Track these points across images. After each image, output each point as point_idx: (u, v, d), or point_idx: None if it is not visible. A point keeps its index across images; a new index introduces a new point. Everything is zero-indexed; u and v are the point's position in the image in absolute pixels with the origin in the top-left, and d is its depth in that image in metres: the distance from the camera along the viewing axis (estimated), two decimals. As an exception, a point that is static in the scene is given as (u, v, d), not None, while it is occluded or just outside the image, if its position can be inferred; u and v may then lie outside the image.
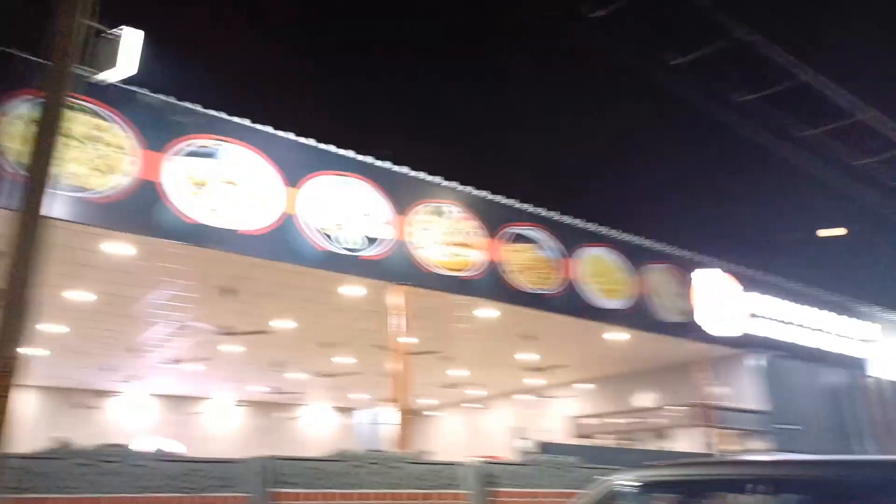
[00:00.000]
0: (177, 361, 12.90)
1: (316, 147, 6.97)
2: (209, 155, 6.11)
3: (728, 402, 15.20)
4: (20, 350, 2.88)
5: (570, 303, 8.74)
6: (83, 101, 5.35)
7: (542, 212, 8.97)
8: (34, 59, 4.60)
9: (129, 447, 4.02)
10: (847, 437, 13.59)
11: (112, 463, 3.81)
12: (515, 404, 22.16)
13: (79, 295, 10.07)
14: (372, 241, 7.08)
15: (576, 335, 13.96)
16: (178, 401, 21.73)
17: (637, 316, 9.47)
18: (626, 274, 9.61)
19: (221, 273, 8.95)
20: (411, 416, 27.40)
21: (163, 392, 20.79)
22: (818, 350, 12.15)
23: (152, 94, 5.88)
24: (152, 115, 5.82)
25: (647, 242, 10.16)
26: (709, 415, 13.84)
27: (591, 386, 19.85)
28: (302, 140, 6.90)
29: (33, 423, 17.92)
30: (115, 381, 18.67)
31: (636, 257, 9.88)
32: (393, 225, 7.32)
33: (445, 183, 8.05)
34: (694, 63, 9.22)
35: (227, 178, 6.15)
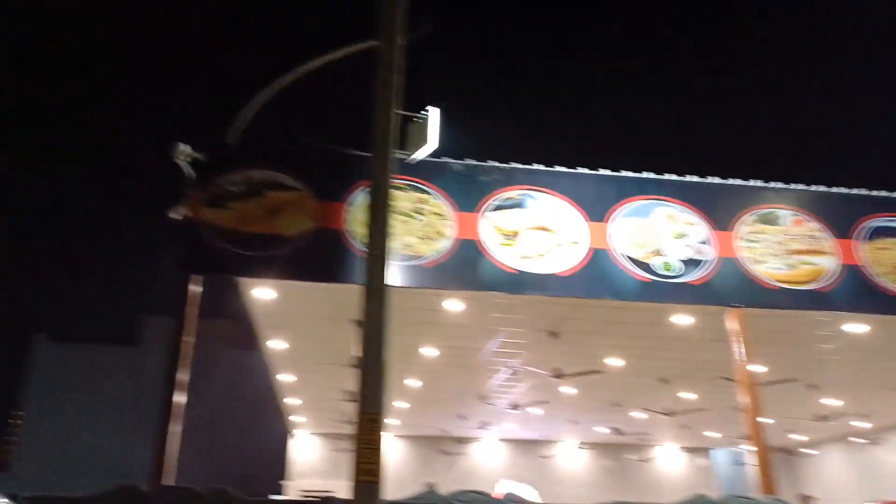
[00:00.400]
0: (515, 406, 13.53)
1: (613, 176, 6.78)
2: (516, 205, 6.37)
3: None
4: (382, 406, 3.23)
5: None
6: (406, 180, 6.08)
7: (906, 195, 7.30)
8: (365, 154, 5.34)
9: (488, 492, 4.19)
10: None
11: (472, 509, 4.01)
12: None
13: (427, 351, 11.34)
14: (693, 263, 6.51)
15: None
16: (526, 445, 22.79)
17: None
18: None
19: (546, 316, 9.22)
20: (779, 455, 24.45)
21: (511, 437, 22.02)
22: None
23: (458, 161, 6.40)
24: (461, 180, 6.32)
25: None
26: None
27: None
28: (598, 172, 6.79)
29: (404, 470, 20.55)
30: (470, 428, 20.41)
31: None
32: (715, 242, 6.66)
33: (769, 185, 7.09)
34: None
35: (536, 224, 6.31)
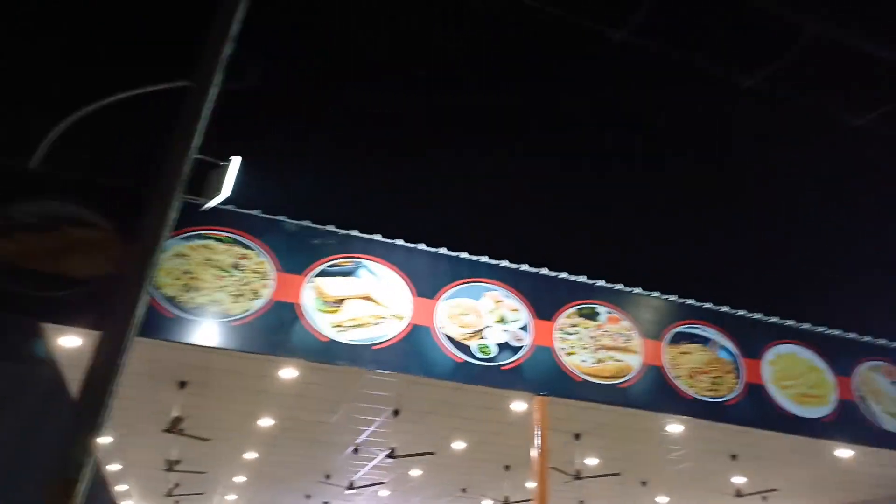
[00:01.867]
0: (351, 487, 13.05)
1: (449, 255, 6.99)
2: (346, 273, 6.39)
3: None
4: (82, 470, 2.94)
5: (753, 411, 7.48)
6: (230, 232, 5.96)
7: (714, 307, 8.02)
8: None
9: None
10: None
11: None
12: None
13: (263, 422, 10.81)
14: (509, 348, 6.75)
15: (795, 453, 11.98)
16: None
17: (843, 425, 7.81)
18: (826, 375, 8.10)
19: (384, 394, 9.11)
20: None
21: None
22: None
23: (291, 221, 6.38)
24: (291, 241, 6.28)
25: (854, 336, 8.57)
26: None
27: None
28: (435, 250, 6.97)
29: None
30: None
31: (841, 355, 8.34)
32: (534, 330, 6.95)
33: (594, 282, 7.58)
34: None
35: (362, 293, 6.33)
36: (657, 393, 7.20)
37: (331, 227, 6.57)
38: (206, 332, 5.56)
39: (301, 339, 5.86)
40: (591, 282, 7.53)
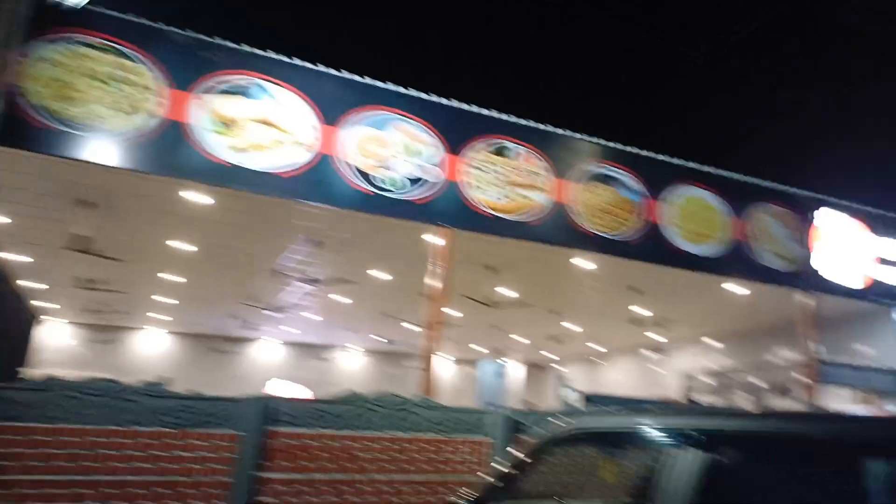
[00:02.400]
0: (278, 310, 13.45)
1: (356, 81, 6.65)
2: (240, 93, 6.01)
3: (868, 361, 13.48)
4: None
5: (649, 248, 7.86)
6: (108, 39, 5.41)
7: (625, 148, 8.09)
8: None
9: (120, 382, 4.04)
10: None
11: (98, 396, 3.86)
12: (637, 359, 21.39)
13: (183, 246, 10.71)
14: (419, 182, 6.71)
15: (689, 288, 12.89)
16: (307, 349, 23.14)
17: (732, 263, 8.36)
18: (724, 217, 8.50)
19: (306, 222, 9.05)
20: (534, 369, 27.23)
21: (292, 340, 22.19)
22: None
23: (179, 31, 5.83)
24: (179, 52, 5.77)
25: (754, 180, 8.91)
26: (828, 372, 12.28)
27: (714, 342, 18.63)
28: (340, 74, 6.61)
29: (175, 367, 20.00)
30: (249, 329, 20.14)
31: (739, 198, 8.70)
32: (446, 165, 6.89)
33: (508, 118, 7.44)
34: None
35: (261, 116, 6.03)
36: (563, 230, 7.42)
37: (223, 41, 6.06)
38: (86, 146, 5.23)
39: (194, 160, 5.61)
40: (505, 117, 7.39)
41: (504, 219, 7.05)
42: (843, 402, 13.36)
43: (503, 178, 7.18)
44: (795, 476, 2.28)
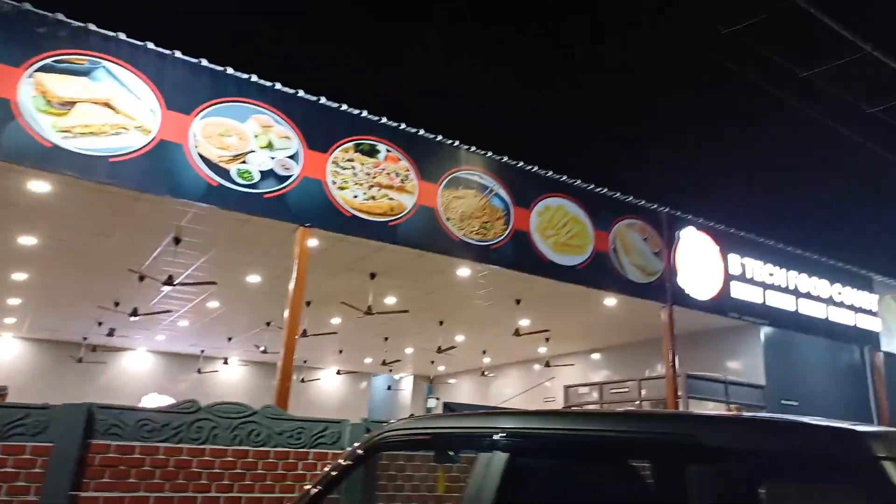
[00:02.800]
0: (134, 314, 12.64)
1: (212, 69, 6.35)
2: (81, 72, 5.57)
3: (731, 375, 14.37)
4: None
5: (515, 255, 8.00)
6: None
7: (496, 157, 8.20)
8: None
9: None
10: (860, 418, 12.55)
11: None
12: (527, 372, 21.79)
13: (25, 239, 9.85)
14: (274, 176, 6.47)
15: (571, 301, 13.26)
16: (185, 360, 21.91)
17: (592, 273, 8.66)
18: (587, 228, 8.79)
19: (166, 218, 8.54)
20: (424, 380, 27.14)
21: (169, 350, 20.95)
22: (820, 320, 11.11)
23: (12, 3, 5.35)
24: (8, 27, 5.29)
25: (617, 195, 9.29)
26: (694, 386, 13.01)
27: (596, 356, 19.32)
28: (194, 61, 6.29)
29: (26, 376, 18.31)
30: (113, 337, 18.81)
31: (603, 210, 9.05)
32: (305, 161, 6.69)
33: (376, 118, 7.36)
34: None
35: (99, 97, 5.60)
36: (426, 232, 7.39)
37: (64, 18, 5.61)
38: None
39: (18, 141, 5.12)
40: (373, 118, 7.30)
41: (366, 219, 6.93)
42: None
43: (368, 178, 7.07)
44: (589, 474, 2.25)
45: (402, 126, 7.49)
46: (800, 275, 10.97)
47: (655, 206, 9.62)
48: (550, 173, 8.67)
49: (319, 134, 6.83)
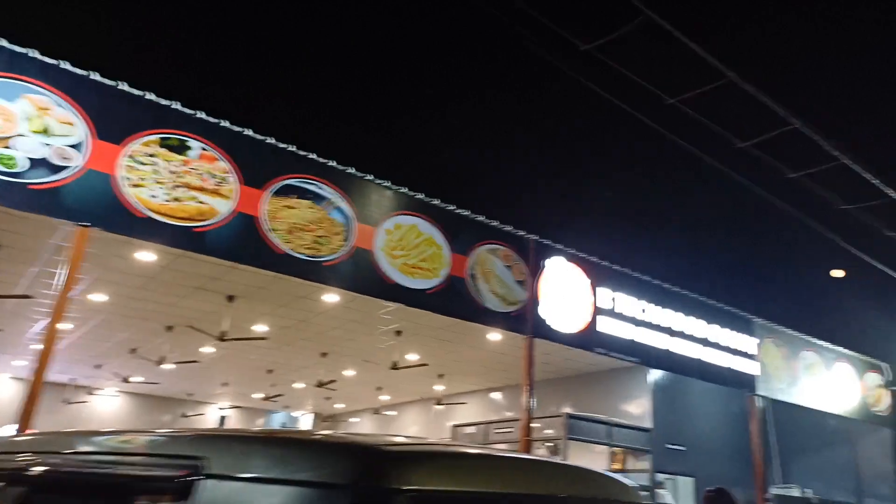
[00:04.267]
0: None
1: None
2: None
3: (622, 418, 13.91)
4: None
5: (353, 274, 7.27)
6: None
7: (339, 167, 7.52)
8: None
9: None
10: (744, 462, 12.21)
11: None
12: (425, 411, 20.89)
13: None
14: (47, 166, 5.57)
15: (446, 333, 12.57)
16: (53, 389, 20.00)
17: (445, 299, 8.02)
18: (443, 251, 8.18)
19: None
20: (326, 421, 25.78)
21: (20, 376, 19.08)
22: (694, 361, 10.77)
23: None
24: None
25: (480, 218, 8.75)
26: (575, 427, 12.48)
27: (496, 394, 18.69)
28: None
29: None
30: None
31: (463, 234, 8.47)
32: (92, 151, 5.82)
33: (192, 112, 6.57)
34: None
35: None
36: (243, 243, 6.59)
37: None
38: None
39: None
40: (187, 111, 6.52)
41: (164, 223, 6.07)
42: (597, 458, 13.63)
43: (173, 177, 6.24)
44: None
45: (225, 123, 6.73)
46: (675, 313, 10.65)
47: (523, 232, 9.12)
48: (405, 190, 8.05)
49: (114, 123, 5.99)
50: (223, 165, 6.60)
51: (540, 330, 8.90)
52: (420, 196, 8.18)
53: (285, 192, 6.97)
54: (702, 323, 11.02)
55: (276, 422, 25.15)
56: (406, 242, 7.87)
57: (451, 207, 8.44)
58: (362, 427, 23.95)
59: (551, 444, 14.22)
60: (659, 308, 10.45)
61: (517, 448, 8.31)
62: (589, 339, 9.49)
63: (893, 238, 11.73)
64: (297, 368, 16.25)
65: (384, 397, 20.50)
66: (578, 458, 14.74)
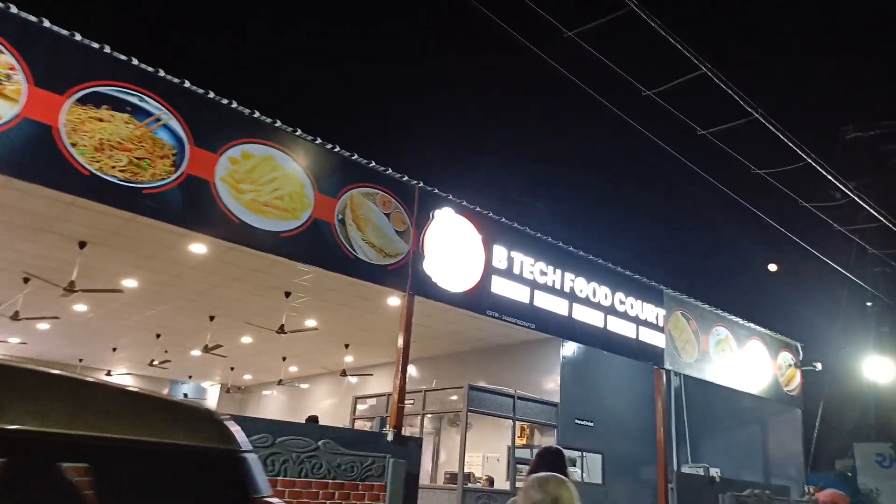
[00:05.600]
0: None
1: None
2: None
3: (532, 392, 13.20)
4: None
5: (179, 206, 6.12)
6: None
7: (171, 78, 6.33)
8: None
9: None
10: (654, 439, 11.60)
11: None
12: (337, 383, 19.88)
13: None
14: None
15: (338, 295, 11.56)
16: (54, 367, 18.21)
17: (303, 244, 6.97)
18: (306, 190, 7.11)
19: None
20: (235, 393, 24.44)
21: (26, 354, 17.46)
22: (596, 330, 10.05)
23: None
24: None
25: (355, 157, 7.70)
26: (478, 400, 11.70)
27: (411, 367, 17.79)
28: None
29: None
30: None
31: (335, 173, 7.42)
32: None
33: (-31, -7, 5.27)
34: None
35: None
36: (34, 157, 5.37)
37: None
38: None
39: None
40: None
41: None
42: (503, 432, 12.88)
43: (-70, 66, 4.95)
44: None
45: (14, 9, 5.45)
46: (578, 278, 9.87)
47: (406, 177, 8.12)
48: (260, 115, 6.91)
49: None
50: (9, 60, 5.33)
51: (422, 287, 7.95)
52: (281, 125, 7.07)
53: (94, 100, 5.75)
54: (606, 290, 10.29)
55: (182, 392, 23.73)
56: (257, 176, 6.76)
57: (320, 142, 7.36)
58: (273, 400, 22.78)
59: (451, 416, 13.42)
60: (560, 271, 9.65)
61: (389, 420, 7.38)
62: (480, 301, 8.61)
63: (810, 209, 11.25)
64: (186, 333, 14.95)
65: (293, 368, 19.37)
66: (484, 432, 14.03)
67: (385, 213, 7.80)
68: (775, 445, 16.01)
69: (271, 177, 6.87)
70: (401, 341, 7.74)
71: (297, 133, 7.17)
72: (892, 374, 13.70)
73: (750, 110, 8.94)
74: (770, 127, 9.22)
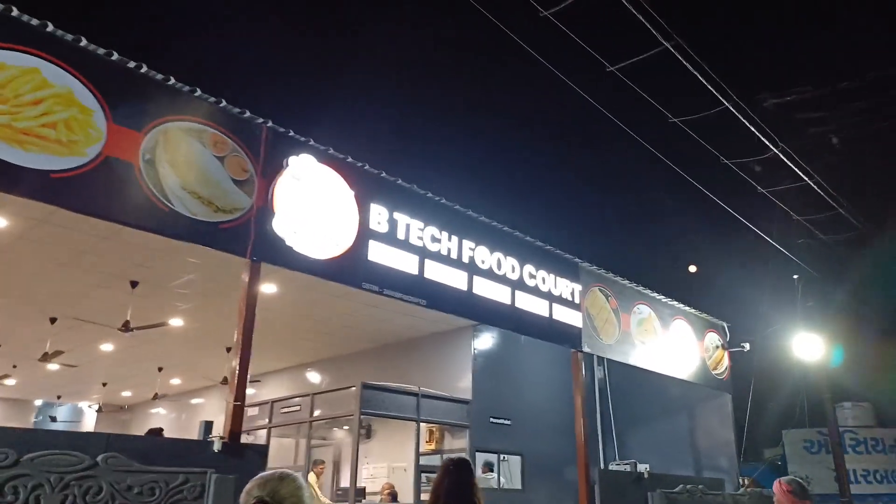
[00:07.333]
0: None
1: None
2: None
3: (441, 390, 11.58)
4: None
5: None
6: None
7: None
8: None
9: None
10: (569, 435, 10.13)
11: None
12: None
13: None
14: None
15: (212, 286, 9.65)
16: None
17: (88, 187, 5.11)
18: (93, 118, 5.25)
19: None
20: (118, 413, 21.73)
21: None
22: (503, 307, 8.55)
23: None
24: None
25: (172, 81, 5.89)
26: (374, 400, 10.01)
27: (310, 371, 15.81)
28: None
29: None
30: None
31: (137, 100, 5.59)
32: None
33: None
34: None
35: None
36: None
37: None
38: None
39: None
40: None
41: None
42: (408, 437, 11.22)
43: None
44: None
45: None
46: (478, 246, 8.35)
47: (249, 113, 6.36)
48: (17, 12, 5.01)
49: None
50: None
51: (270, 252, 6.20)
52: (59, 32, 5.19)
53: None
54: (513, 261, 8.81)
55: (47, 413, 20.89)
56: (17, 89, 4.86)
57: (118, 58, 5.51)
58: (161, 419, 20.30)
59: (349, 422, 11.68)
60: (457, 238, 8.10)
61: (225, 425, 5.57)
62: (353, 271, 6.92)
63: (732, 167, 10.18)
64: (27, 342, 12.49)
65: (175, 381, 17.05)
66: (390, 440, 12.29)
67: (218, 157, 6.01)
68: (705, 435, 15.01)
69: (37, 97, 4.97)
70: (242, 323, 5.96)
71: (81, 43, 5.30)
72: (820, 351, 12.87)
73: (662, 40, 7.67)
74: (686, 64, 8.00)
